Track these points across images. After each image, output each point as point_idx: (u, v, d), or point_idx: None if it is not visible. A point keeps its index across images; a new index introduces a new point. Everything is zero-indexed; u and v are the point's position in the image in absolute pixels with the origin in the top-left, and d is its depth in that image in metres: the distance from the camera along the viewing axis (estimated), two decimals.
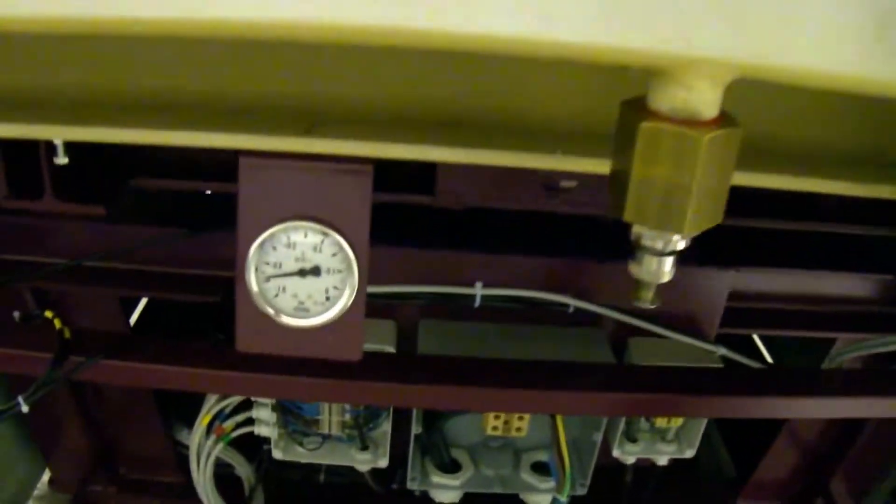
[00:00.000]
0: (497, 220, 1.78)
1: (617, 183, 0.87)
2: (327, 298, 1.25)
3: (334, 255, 1.23)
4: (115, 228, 1.65)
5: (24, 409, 1.45)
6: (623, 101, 0.89)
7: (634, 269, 0.97)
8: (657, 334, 1.71)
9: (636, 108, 0.86)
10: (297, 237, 1.22)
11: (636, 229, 0.93)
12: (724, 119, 0.85)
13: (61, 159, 1.30)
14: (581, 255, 1.69)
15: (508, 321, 1.78)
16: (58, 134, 1.21)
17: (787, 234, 1.72)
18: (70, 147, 1.32)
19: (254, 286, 1.24)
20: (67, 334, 1.54)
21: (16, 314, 1.60)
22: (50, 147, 1.34)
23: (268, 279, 1.25)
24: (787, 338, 2.12)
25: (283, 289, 1.25)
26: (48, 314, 1.56)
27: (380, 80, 1.18)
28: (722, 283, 1.75)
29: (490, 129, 1.18)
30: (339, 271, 1.23)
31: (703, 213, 0.87)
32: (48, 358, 1.48)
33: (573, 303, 1.68)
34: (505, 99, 1.18)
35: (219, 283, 1.65)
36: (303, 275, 1.24)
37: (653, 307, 1.03)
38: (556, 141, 1.16)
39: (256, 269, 1.23)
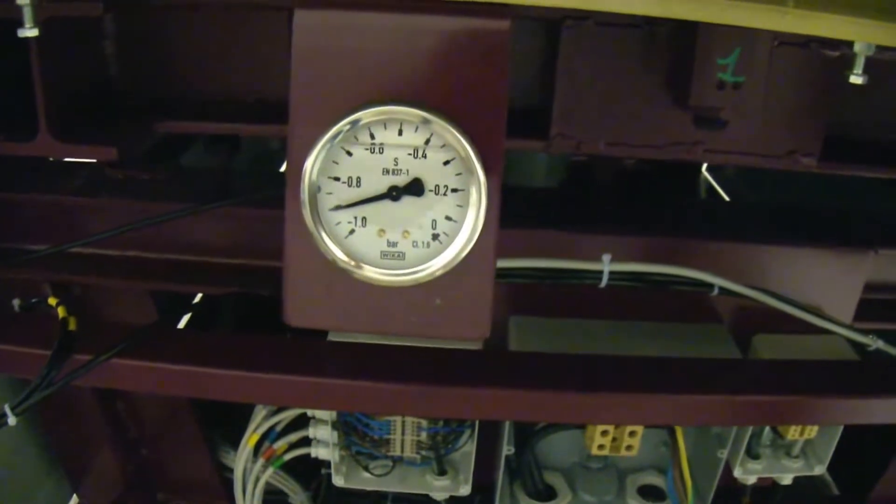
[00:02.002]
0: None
1: None
2: (435, 236, 0.75)
3: (447, 163, 0.73)
4: (145, 205, 1.31)
5: (12, 420, 1.08)
6: None
7: None
8: (802, 326, 1.32)
9: None
10: (385, 134, 0.72)
11: None
12: None
13: (30, 30, 0.83)
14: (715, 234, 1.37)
15: (611, 316, 1.43)
16: None
17: None
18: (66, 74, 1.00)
19: (313, 218, 0.74)
20: (72, 325, 1.13)
21: (15, 302, 1.25)
22: (46, 69, 0.99)
23: (337, 207, 0.73)
24: None
25: (363, 221, 0.75)
26: (51, 301, 1.16)
27: None
28: (859, 267, 1.40)
29: None
30: (455, 190, 0.75)
31: None
32: (47, 356, 1.08)
33: (718, 282, 1.23)
34: None
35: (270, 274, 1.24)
36: (395, 196, 0.74)
37: None
38: None
39: (319, 189, 0.74)
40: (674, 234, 1.37)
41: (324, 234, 0.75)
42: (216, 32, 1.12)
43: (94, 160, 1.17)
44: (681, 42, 1.02)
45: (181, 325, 1.53)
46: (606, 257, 1.17)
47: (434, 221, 0.76)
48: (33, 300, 1.21)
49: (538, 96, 1.13)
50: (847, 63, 0.88)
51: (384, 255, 0.76)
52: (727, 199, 2.17)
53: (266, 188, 1.28)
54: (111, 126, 1.10)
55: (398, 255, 0.76)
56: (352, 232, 0.75)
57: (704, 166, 2.23)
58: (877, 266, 1.41)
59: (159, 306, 1.50)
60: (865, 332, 1.37)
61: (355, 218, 0.75)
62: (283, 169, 1.51)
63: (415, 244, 0.76)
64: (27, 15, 0.80)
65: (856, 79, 0.82)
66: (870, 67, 0.86)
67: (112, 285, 1.43)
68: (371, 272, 0.76)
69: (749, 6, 0.72)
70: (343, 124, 0.69)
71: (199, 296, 1.70)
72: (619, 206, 1.48)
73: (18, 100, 1.08)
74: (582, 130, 1.11)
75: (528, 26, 1.10)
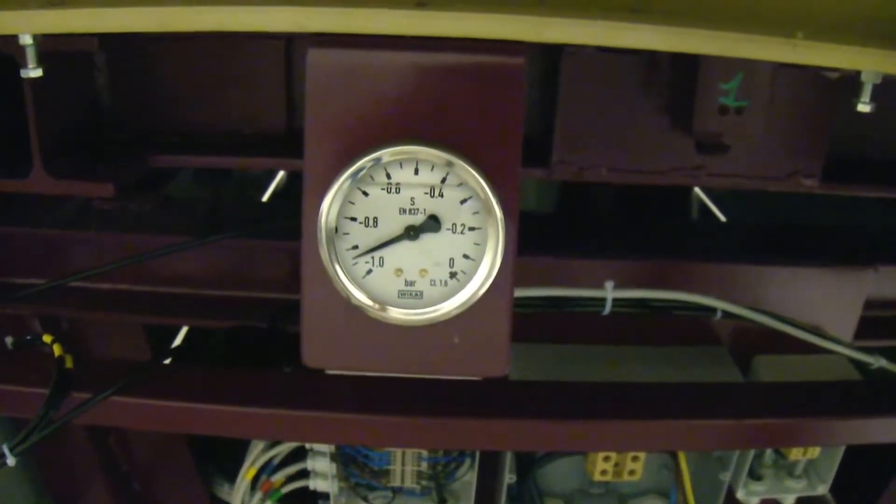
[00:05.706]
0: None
1: None
2: (453, 275, 0.74)
3: (464, 201, 0.72)
4: (135, 238, 1.29)
5: (11, 461, 1.06)
6: None
7: None
8: (803, 346, 1.28)
9: None
10: (402, 173, 0.71)
11: None
12: None
13: (33, 71, 0.80)
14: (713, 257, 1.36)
15: (611, 341, 1.41)
16: (26, 25, 0.74)
17: None
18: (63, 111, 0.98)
19: (330, 258, 0.73)
20: (69, 363, 1.10)
21: (8, 339, 1.19)
22: (39, 105, 0.96)
23: (354, 247, 0.73)
24: None
25: (380, 261, 0.74)
26: (46, 339, 1.13)
27: None
28: (859, 285, 1.38)
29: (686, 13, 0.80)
30: (473, 228, 0.73)
31: None
32: (43, 394, 1.05)
33: (720, 305, 1.20)
34: None
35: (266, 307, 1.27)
36: (413, 235, 0.73)
37: None
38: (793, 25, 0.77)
39: (335, 230, 0.72)
40: (672, 257, 1.35)
41: (342, 275, 0.74)
42: (210, 64, 1.10)
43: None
44: (682, 68, 1.01)
45: (177, 359, 1.51)
46: (609, 284, 1.14)
47: (452, 260, 0.75)
48: (27, 337, 1.17)
49: (539, 123, 1.11)
50: (847, 84, 0.86)
51: (402, 294, 0.75)
52: (720, 216, 2.17)
53: (261, 219, 1.27)
54: (106, 161, 1.07)
55: (416, 294, 0.75)
56: (369, 272, 0.74)
57: None
58: (877, 283, 1.40)
59: (153, 340, 1.46)
60: (867, 351, 1.36)
61: (373, 258, 0.74)
62: (265, 198, 1.48)
63: (432, 283, 0.75)
64: (30, 55, 0.77)
65: (863, 107, 0.81)
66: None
67: (103, 319, 1.39)
68: (389, 312, 0.75)
69: (759, 39, 0.72)
70: (364, 161, 0.67)
71: (186, 329, 1.67)
72: (615, 231, 1.46)
73: (10, 134, 1.05)
74: (583, 157, 1.09)
75: (529, 52, 1.09)
